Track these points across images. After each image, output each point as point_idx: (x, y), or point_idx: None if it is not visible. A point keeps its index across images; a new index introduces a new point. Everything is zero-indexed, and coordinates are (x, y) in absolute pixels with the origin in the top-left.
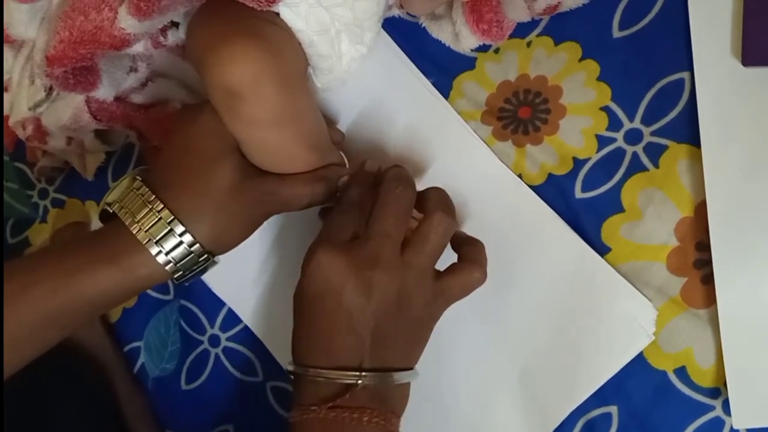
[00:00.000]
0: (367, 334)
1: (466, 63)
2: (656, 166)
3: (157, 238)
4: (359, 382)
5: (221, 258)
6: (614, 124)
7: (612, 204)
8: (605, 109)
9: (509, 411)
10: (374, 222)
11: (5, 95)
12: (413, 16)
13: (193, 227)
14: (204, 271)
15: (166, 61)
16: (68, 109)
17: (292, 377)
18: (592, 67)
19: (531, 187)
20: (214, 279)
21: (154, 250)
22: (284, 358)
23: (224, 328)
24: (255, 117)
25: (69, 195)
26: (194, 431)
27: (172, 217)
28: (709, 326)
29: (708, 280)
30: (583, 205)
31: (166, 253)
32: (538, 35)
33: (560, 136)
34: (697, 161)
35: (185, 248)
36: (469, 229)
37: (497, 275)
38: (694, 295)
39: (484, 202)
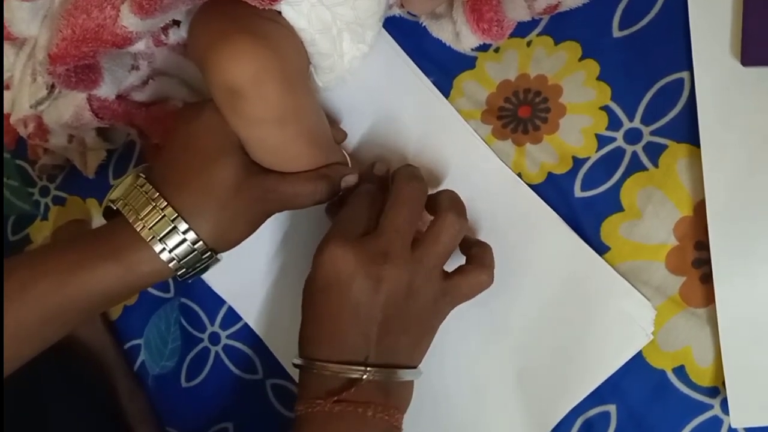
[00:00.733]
0: (373, 328)
1: (467, 62)
2: (656, 165)
3: (161, 235)
4: (364, 377)
5: (222, 256)
6: (614, 123)
7: (611, 203)
8: (605, 108)
9: (507, 409)
10: (386, 218)
11: (7, 93)
12: (414, 16)
13: (196, 225)
14: (206, 268)
15: (167, 59)
16: (70, 107)
17: (298, 370)
18: (592, 66)
19: (530, 186)
20: (214, 277)
21: (157, 248)
22: (284, 356)
23: (224, 325)
24: (257, 115)
25: (70, 192)
26: (194, 429)
27: (176, 214)
28: (707, 325)
29: (707, 279)
30: (583, 204)
31: (170, 251)
32: (539, 35)
33: (560, 135)
34: (696, 161)
35: (188, 245)
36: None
37: (496, 274)
38: (692, 294)
39: (483, 201)
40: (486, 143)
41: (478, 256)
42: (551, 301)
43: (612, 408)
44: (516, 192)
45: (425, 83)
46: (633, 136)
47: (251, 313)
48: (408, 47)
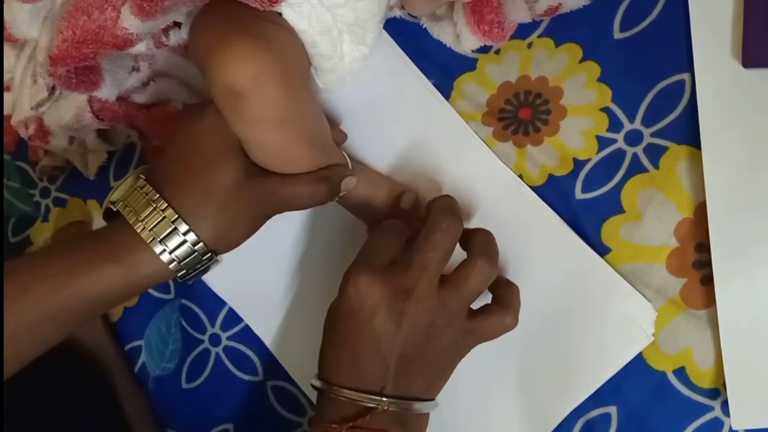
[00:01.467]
0: (392, 361)
1: (467, 64)
2: (656, 167)
3: (161, 236)
4: (380, 407)
5: (222, 257)
6: (614, 125)
7: (612, 205)
8: (606, 110)
9: (508, 411)
10: (416, 252)
11: (8, 94)
12: (414, 17)
13: (197, 226)
14: (207, 269)
15: (168, 60)
16: (70, 109)
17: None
18: (593, 68)
19: (531, 187)
20: (214, 278)
21: (158, 249)
22: (284, 357)
23: (225, 327)
24: (257, 117)
25: (71, 194)
26: (195, 430)
27: (176, 215)
28: (708, 327)
29: (707, 281)
30: (583, 206)
31: (170, 252)
32: (539, 36)
33: (561, 137)
34: (697, 162)
35: (189, 247)
36: None
37: None
38: (693, 296)
39: (484, 203)
40: (487, 145)
41: (505, 298)
42: (552, 303)
43: (613, 409)
44: (517, 194)
45: (426, 85)
46: (634, 138)
47: (252, 315)
48: (408, 49)
